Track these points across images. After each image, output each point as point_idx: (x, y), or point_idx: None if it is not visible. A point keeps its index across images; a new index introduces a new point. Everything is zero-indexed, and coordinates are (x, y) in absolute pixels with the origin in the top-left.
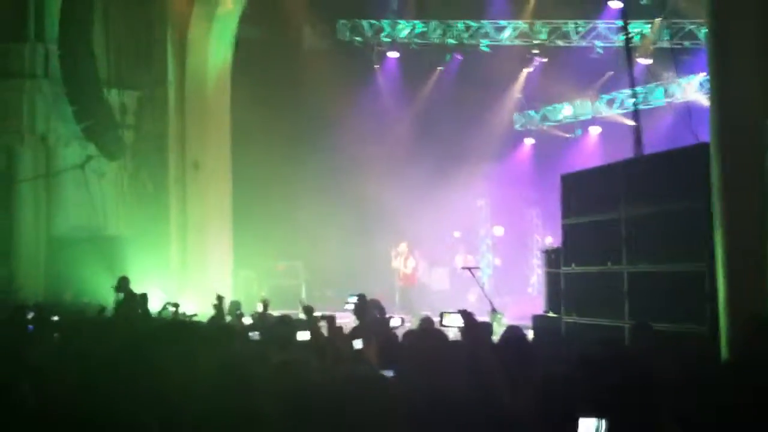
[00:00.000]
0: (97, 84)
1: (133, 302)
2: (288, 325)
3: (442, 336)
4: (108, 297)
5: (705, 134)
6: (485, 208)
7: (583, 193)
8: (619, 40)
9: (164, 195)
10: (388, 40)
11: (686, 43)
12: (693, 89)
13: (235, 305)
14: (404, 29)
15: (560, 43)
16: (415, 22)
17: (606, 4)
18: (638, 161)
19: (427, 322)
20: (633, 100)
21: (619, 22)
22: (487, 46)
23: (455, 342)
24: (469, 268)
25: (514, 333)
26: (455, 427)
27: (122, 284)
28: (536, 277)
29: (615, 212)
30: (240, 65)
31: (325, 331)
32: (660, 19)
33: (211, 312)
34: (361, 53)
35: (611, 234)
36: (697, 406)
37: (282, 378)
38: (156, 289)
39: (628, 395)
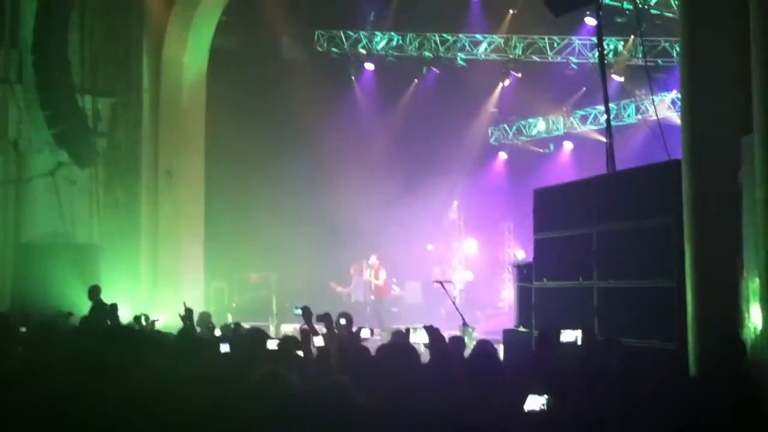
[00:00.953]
0: (70, 90)
1: (102, 312)
2: (259, 336)
3: (414, 354)
4: (78, 305)
5: (677, 151)
6: (458, 221)
7: (555, 208)
8: (593, 56)
9: (136, 203)
10: (365, 51)
11: (660, 61)
12: (665, 106)
13: (205, 317)
14: (381, 41)
15: (535, 58)
16: (392, 34)
17: (582, 20)
18: (610, 177)
19: (398, 335)
20: (605, 116)
21: (594, 39)
22: (463, 60)
23: (427, 362)
24: (441, 282)
25: (484, 348)
26: None
27: (92, 294)
28: (507, 291)
29: (587, 227)
30: (216, 75)
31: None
32: (634, 36)
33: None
34: (338, 64)
35: (583, 249)
36: (663, 418)
37: (263, 389)
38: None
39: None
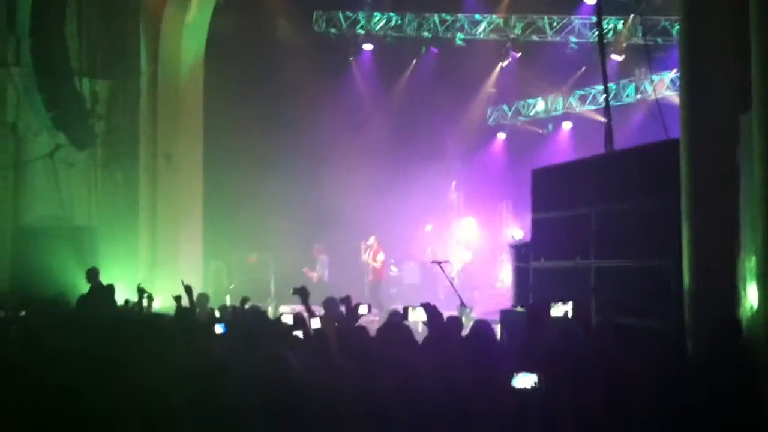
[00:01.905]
0: (68, 73)
1: (100, 294)
2: (259, 316)
3: (410, 335)
4: (76, 288)
5: (675, 131)
6: (457, 201)
7: (553, 188)
8: (593, 35)
9: (134, 186)
10: (363, 32)
11: (659, 40)
12: (665, 86)
13: (203, 298)
14: (380, 22)
15: (535, 38)
16: (391, 14)
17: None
18: (609, 157)
19: (395, 315)
20: (604, 96)
21: (594, 18)
22: (462, 39)
23: (424, 340)
24: (439, 262)
25: (481, 327)
26: (422, 419)
27: (91, 275)
28: (505, 271)
29: (585, 207)
30: (214, 56)
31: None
32: (634, 15)
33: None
34: (337, 45)
35: (580, 229)
36: (657, 399)
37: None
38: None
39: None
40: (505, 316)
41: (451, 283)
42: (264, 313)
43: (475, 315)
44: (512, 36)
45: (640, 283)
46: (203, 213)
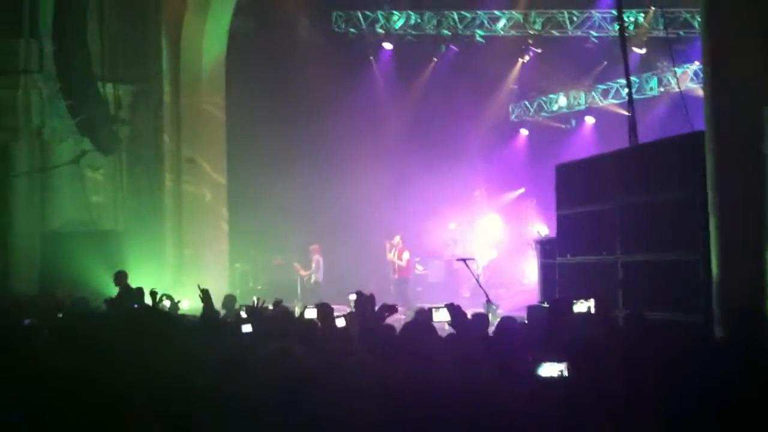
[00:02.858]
0: (91, 78)
1: (128, 297)
2: (284, 315)
3: (434, 332)
4: (104, 291)
5: (700, 123)
6: (481, 199)
7: (577, 184)
8: (613, 29)
9: (159, 189)
10: (383, 31)
11: (681, 32)
12: (687, 78)
13: (230, 299)
14: (399, 20)
15: (555, 33)
16: (410, 12)
17: None
18: (633, 151)
19: (421, 313)
20: (627, 89)
21: (614, 12)
22: (482, 36)
23: (447, 336)
24: (464, 260)
25: (509, 324)
26: (441, 415)
27: (118, 279)
28: (532, 268)
29: (609, 202)
30: (234, 58)
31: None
32: (655, 8)
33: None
34: (356, 45)
35: (606, 224)
36: (682, 391)
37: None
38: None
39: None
40: (532, 312)
41: (477, 280)
42: (289, 311)
43: (502, 312)
44: (532, 32)
45: (667, 276)
46: (228, 214)
